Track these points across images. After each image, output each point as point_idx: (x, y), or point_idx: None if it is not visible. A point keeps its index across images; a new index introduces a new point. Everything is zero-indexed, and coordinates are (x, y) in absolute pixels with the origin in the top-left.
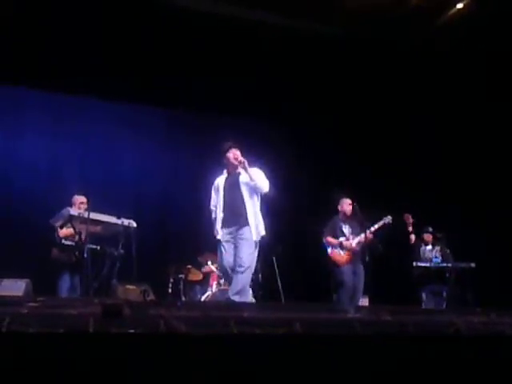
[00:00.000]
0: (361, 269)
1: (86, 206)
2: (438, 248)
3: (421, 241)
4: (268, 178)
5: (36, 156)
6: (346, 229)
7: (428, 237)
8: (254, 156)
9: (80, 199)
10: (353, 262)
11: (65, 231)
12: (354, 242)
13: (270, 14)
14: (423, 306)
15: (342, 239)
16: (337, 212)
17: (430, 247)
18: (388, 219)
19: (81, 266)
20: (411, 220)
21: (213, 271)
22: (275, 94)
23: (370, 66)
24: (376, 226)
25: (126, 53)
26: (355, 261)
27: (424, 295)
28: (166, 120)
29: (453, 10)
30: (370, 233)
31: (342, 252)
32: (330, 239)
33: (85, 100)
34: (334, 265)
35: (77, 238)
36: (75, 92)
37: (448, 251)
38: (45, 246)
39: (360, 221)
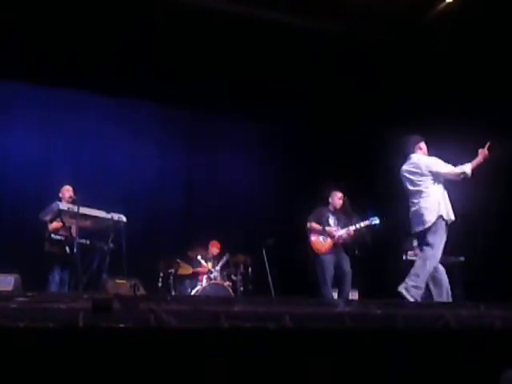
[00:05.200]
0: (345, 259)
1: (73, 197)
2: None
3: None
4: (259, 172)
5: (26, 151)
6: (332, 220)
7: None
8: (246, 151)
9: (67, 189)
10: (334, 252)
11: (54, 225)
12: (338, 232)
13: (257, 9)
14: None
15: (326, 227)
16: (326, 203)
17: None
18: (375, 221)
19: (70, 261)
20: None
21: (204, 266)
22: (267, 90)
23: (358, 62)
24: (362, 224)
25: (117, 47)
26: (337, 252)
27: None
28: (158, 116)
29: (442, 4)
30: (354, 230)
31: (323, 240)
32: (314, 225)
33: (76, 95)
34: (313, 253)
35: (66, 232)
36: (67, 86)
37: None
38: (34, 240)
39: (348, 215)
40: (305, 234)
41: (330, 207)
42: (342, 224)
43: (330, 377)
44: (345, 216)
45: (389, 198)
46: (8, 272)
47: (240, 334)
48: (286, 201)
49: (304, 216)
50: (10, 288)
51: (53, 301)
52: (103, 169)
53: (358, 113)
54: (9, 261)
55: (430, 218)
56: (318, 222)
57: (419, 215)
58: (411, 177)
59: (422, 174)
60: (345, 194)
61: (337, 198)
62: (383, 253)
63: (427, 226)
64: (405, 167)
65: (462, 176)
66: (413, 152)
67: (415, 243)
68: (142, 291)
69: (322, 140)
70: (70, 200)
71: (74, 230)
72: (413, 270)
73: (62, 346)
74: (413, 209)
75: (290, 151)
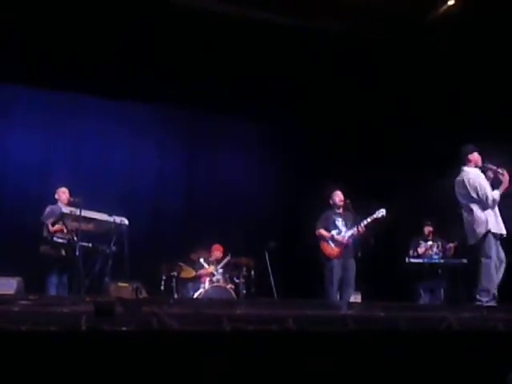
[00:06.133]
0: (352, 263)
1: (70, 199)
2: (438, 244)
3: (420, 235)
4: (259, 173)
5: (27, 153)
6: (339, 222)
7: (428, 230)
8: (246, 151)
9: (63, 191)
10: (344, 255)
11: (56, 228)
12: (346, 235)
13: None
14: (420, 302)
15: (334, 232)
16: (329, 206)
17: (430, 243)
18: (382, 212)
19: (71, 264)
20: (431, 229)
21: (206, 269)
22: (267, 90)
23: (359, 61)
24: (369, 220)
25: (117, 48)
26: (346, 255)
27: (421, 291)
28: (158, 118)
29: (444, 7)
30: (363, 226)
31: (333, 245)
32: (323, 232)
33: (76, 97)
34: (324, 257)
35: (68, 235)
36: (66, 89)
37: (451, 245)
38: (36, 243)
39: (353, 215)
40: (306, 236)
41: (335, 209)
42: (350, 224)
43: (333, 379)
44: (350, 216)
45: (391, 199)
46: (10, 275)
47: (243, 337)
48: (287, 202)
49: (305, 217)
50: (12, 291)
51: (55, 304)
52: (104, 171)
53: (358, 112)
54: (11, 264)
55: (479, 231)
56: (326, 227)
57: (471, 229)
58: (460, 190)
59: (468, 189)
60: (346, 195)
61: (338, 198)
62: (386, 255)
63: (478, 239)
64: (456, 180)
65: (490, 201)
66: (464, 164)
67: (422, 245)
68: (144, 294)
69: (321, 140)
70: (67, 202)
71: (75, 233)
72: (480, 286)
73: (65, 349)
74: (465, 222)
75: (290, 151)
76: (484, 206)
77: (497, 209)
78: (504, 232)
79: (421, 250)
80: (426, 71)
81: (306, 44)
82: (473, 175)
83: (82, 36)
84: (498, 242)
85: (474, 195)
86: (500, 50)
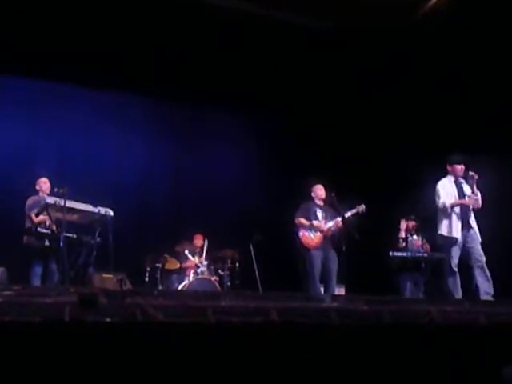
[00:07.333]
0: (333, 254)
1: (50, 189)
2: (421, 238)
3: (404, 230)
4: (247, 167)
5: (12, 144)
6: (320, 213)
7: (411, 224)
8: (234, 146)
9: (44, 181)
10: (324, 246)
11: (40, 219)
12: (326, 225)
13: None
14: (403, 295)
15: (314, 222)
16: (311, 198)
17: (415, 237)
18: (361, 208)
19: (55, 254)
20: (414, 223)
21: (191, 260)
22: (252, 85)
23: (346, 57)
24: (349, 214)
25: (105, 39)
26: (326, 246)
27: (404, 285)
28: (145, 109)
29: (431, 2)
30: (343, 220)
31: (312, 235)
32: (302, 220)
33: (63, 87)
34: (303, 248)
35: (53, 226)
36: (53, 79)
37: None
38: (21, 234)
39: (336, 209)
40: (292, 229)
41: (316, 201)
42: (330, 217)
43: (316, 372)
44: (332, 209)
45: (377, 195)
46: None
47: (227, 328)
48: (274, 196)
49: (291, 211)
50: None
51: (39, 295)
52: (90, 162)
53: (345, 110)
54: None
55: (438, 234)
56: (306, 218)
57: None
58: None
59: (435, 197)
60: (330, 190)
61: (320, 191)
62: (370, 249)
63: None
64: None
65: (442, 207)
66: (446, 172)
67: (407, 239)
68: (128, 286)
69: (308, 135)
70: (49, 191)
71: (57, 224)
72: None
73: (48, 340)
74: None
75: (276, 145)
76: (443, 212)
77: (455, 214)
78: (454, 235)
79: (403, 245)
80: (412, 70)
81: (295, 41)
82: (440, 185)
83: (69, 26)
84: (456, 246)
85: (437, 201)
86: (490, 44)
